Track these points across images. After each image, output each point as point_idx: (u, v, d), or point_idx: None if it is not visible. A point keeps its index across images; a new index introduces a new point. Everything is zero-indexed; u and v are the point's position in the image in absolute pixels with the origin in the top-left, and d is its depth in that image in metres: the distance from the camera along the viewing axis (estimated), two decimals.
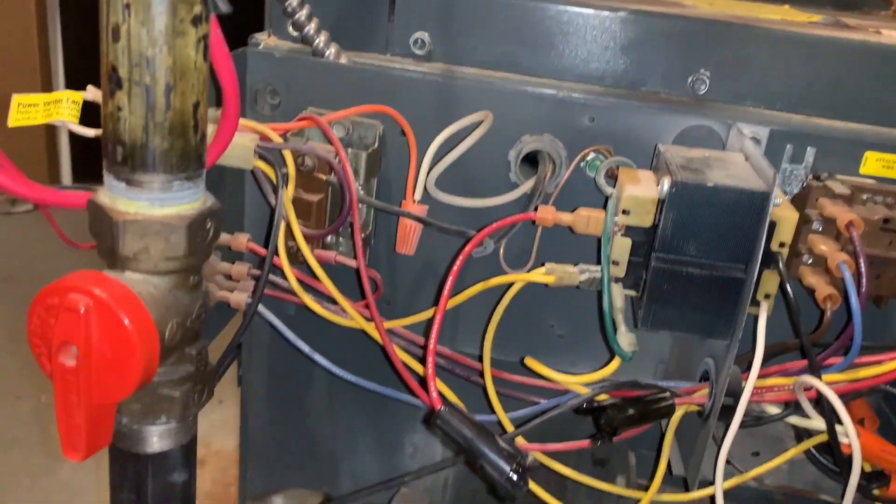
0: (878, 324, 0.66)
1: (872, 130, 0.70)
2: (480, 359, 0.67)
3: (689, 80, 0.72)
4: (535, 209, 0.61)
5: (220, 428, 1.61)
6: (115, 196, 0.43)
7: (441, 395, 0.52)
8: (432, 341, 0.54)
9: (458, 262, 0.58)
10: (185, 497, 0.50)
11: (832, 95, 0.71)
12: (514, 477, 0.47)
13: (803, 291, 0.62)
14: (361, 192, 0.69)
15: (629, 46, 0.73)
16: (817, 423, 0.58)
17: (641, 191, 0.57)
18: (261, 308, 0.67)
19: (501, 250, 0.69)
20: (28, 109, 0.59)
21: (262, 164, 0.62)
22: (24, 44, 2.48)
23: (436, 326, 0.55)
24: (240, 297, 0.66)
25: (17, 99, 0.59)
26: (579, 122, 0.69)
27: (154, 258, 0.43)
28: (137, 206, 0.43)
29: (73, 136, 2.47)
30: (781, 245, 0.56)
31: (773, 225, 0.56)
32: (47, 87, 2.56)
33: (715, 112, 0.70)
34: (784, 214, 0.55)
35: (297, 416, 0.88)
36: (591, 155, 0.68)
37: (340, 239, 0.71)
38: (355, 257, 0.65)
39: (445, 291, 0.57)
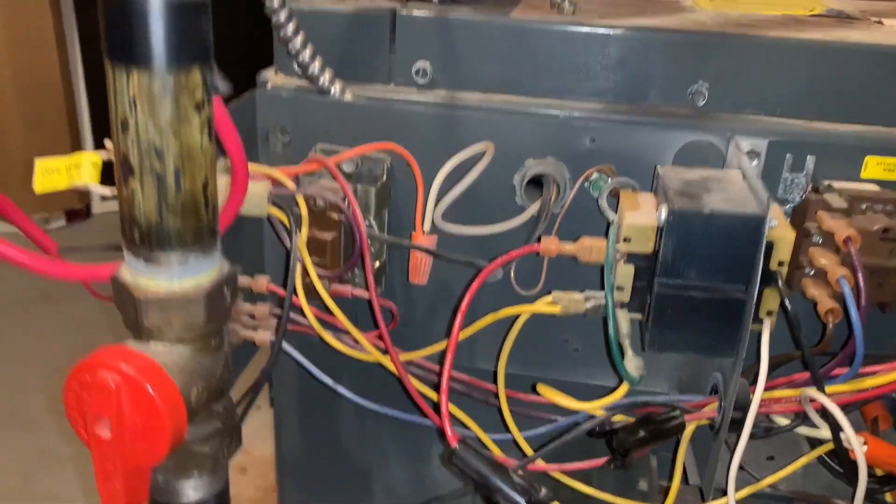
0: (884, 329, 0.67)
1: (873, 132, 0.71)
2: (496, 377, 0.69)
3: (689, 91, 0.73)
4: (539, 239, 0.63)
5: (259, 433, 1.65)
6: (135, 273, 0.46)
7: (455, 419, 0.54)
8: (444, 380, 0.56)
9: (465, 300, 0.60)
10: None
11: (831, 98, 0.72)
12: None
13: (807, 303, 0.64)
14: (374, 228, 0.71)
15: (627, 62, 0.74)
16: (825, 432, 0.60)
17: (641, 218, 0.58)
18: (285, 345, 0.69)
19: (512, 273, 0.71)
20: (52, 174, 0.62)
21: (275, 211, 0.65)
22: (43, 57, 2.52)
23: (447, 368, 0.57)
24: (264, 336, 0.69)
25: (40, 164, 0.62)
26: (581, 144, 0.70)
27: (176, 329, 0.46)
28: (157, 283, 0.45)
29: (96, 131, 2.51)
30: (780, 264, 0.57)
31: (771, 245, 0.57)
32: (70, 101, 2.60)
33: (714, 125, 0.71)
34: (781, 235, 0.57)
35: (329, 435, 0.91)
36: (595, 175, 0.70)
37: (357, 271, 0.73)
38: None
39: (454, 332, 0.59)
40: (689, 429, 0.64)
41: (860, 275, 0.57)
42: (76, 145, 2.63)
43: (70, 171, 0.62)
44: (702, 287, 0.58)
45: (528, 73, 0.76)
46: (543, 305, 0.62)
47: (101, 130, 2.66)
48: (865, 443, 0.60)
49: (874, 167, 0.67)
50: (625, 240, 0.59)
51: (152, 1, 0.39)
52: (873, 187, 0.66)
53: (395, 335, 0.74)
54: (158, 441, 0.44)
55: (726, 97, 0.73)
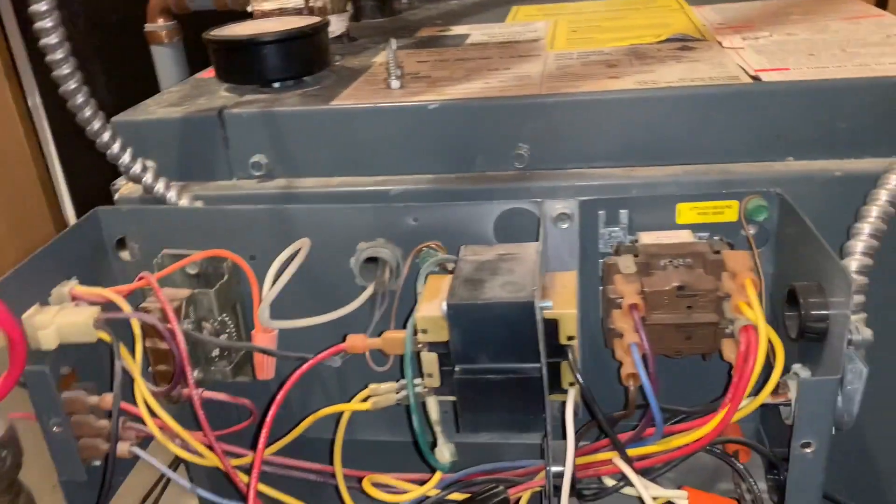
0: (708, 376, 0.68)
1: (689, 173, 0.71)
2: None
3: (511, 154, 0.74)
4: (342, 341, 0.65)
5: None
6: None
7: None
8: (252, 490, 0.58)
9: (271, 412, 0.62)
10: None
11: (647, 145, 0.72)
12: None
13: None
14: (228, 325, 0.74)
15: (449, 135, 0.75)
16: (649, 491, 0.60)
17: (430, 310, 0.60)
18: (142, 453, 0.72)
19: (367, 353, 0.72)
20: None
21: (104, 335, 0.67)
22: (6, 131, 2.55)
23: (252, 486, 0.59)
24: (123, 448, 0.72)
25: None
26: (405, 224, 0.71)
27: None
28: None
29: (76, 199, 2.51)
30: (570, 338, 0.58)
31: (555, 322, 0.58)
32: (43, 171, 2.65)
33: (533, 185, 0.72)
34: (563, 312, 0.58)
35: None
36: (423, 251, 0.71)
37: (217, 365, 0.76)
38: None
39: (260, 445, 0.61)
40: (525, 497, 0.65)
41: (645, 343, 0.57)
42: (57, 216, 2.69)
43: None
44: (497, 370, 0.59)
45: (356, 155, 0.77)
46: (356, 405, 0.63)
47: (81, 197, 2.69)
48: (687, 497, 0.61)
49: (687, 212, 0.68)
50: (422, 331, 0.60)
51: None
52: (685, 235, 0.66)
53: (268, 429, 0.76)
54: None
55: (546, 156, 0.74)
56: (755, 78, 0.72)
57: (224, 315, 0.75)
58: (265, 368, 0.72)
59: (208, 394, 0.73)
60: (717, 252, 0.62)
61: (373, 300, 0.72)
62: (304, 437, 0.71)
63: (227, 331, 0.77)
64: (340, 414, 0.68)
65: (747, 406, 0.58)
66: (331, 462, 0.70)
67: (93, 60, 2.43)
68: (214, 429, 0.73)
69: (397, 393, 0.63)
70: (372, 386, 0.65)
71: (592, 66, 0.82)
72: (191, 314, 0.73)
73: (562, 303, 0.58)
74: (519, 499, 0.64)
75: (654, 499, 0.63)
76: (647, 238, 0.66)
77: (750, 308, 0.57)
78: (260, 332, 0.72)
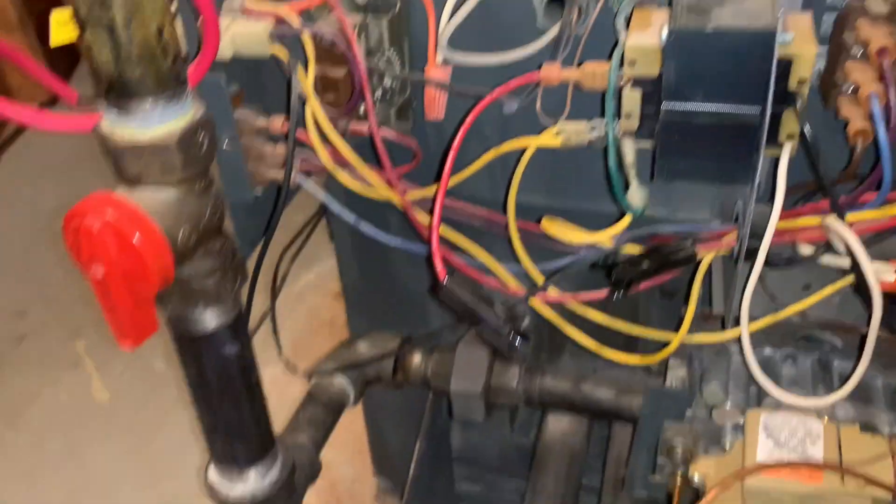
0: None
1: None
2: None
3: None
4: (540, 66, 0.60)
5: None
6: (111, 123, 0.48)
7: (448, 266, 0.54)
8: (436, 216, 0.56)
9: (459, 136, 0.59)
10: (240, 366, 0.58)
11: None
12: (511, 339, 0.51)
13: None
14: (392, 62, 0.69)
15: None
16: (848, 262, 0.56)
17: (644, 39, 0.54)
18: (307, 182, 0.71)
19: (538, 103, 0.67)
20: (66, 26, 0.64)
21: (278, 50, 0.64)
22: None
23: (438, 204, 0.57)
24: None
25: (55, 16, 0.64)
26: None
27: (155, 174, 0.48)
28: (130, 132, 0.47)
29: None
30: (800, 83, 0.52)
31: (788, 62, 0.51)
32: None
33: None
34: (799, 51, 0.51)
35: (383, 265, 0.94)
36: None
37: (377, 108, 0.72)
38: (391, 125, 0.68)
39: (447, 169, 0.58)
40: (707, 258, 0.61)
41: (891, 89, 0.50)
42: None
43: None
44: (711, 111, 0.53)
45: None
46: (545, 138, 0.59)
47: None
48: None
49: None
50: (630, 63, 0.55)
51: None
52: None
53: (425, 171, 0.73)
54: (145, 280, 0.47)
55: None
56: None
57: (392, 50, 0.71)
58: (436, 107, 0.69)
59: (378, 130, 0.70)
60: None
61: (555, 44, 0.66)
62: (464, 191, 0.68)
63: (393, 69, 0.73)
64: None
65: None
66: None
67: None
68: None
69: (590, 132, 0.58)
70: (560, 124, 0.60)
71: None
72: (360, 44, 0.69)
73: (801, 39, 0.51)
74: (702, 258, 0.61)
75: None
76: None
77: None
78: (434, 67, 0.67)
